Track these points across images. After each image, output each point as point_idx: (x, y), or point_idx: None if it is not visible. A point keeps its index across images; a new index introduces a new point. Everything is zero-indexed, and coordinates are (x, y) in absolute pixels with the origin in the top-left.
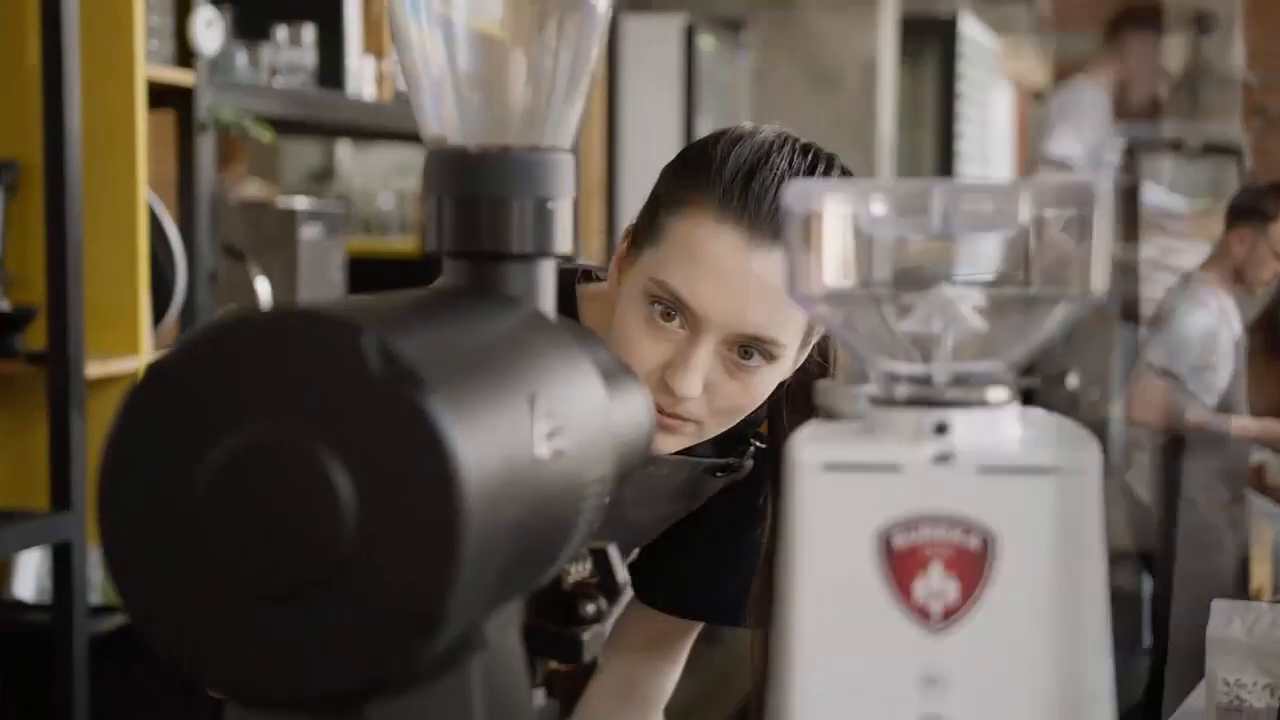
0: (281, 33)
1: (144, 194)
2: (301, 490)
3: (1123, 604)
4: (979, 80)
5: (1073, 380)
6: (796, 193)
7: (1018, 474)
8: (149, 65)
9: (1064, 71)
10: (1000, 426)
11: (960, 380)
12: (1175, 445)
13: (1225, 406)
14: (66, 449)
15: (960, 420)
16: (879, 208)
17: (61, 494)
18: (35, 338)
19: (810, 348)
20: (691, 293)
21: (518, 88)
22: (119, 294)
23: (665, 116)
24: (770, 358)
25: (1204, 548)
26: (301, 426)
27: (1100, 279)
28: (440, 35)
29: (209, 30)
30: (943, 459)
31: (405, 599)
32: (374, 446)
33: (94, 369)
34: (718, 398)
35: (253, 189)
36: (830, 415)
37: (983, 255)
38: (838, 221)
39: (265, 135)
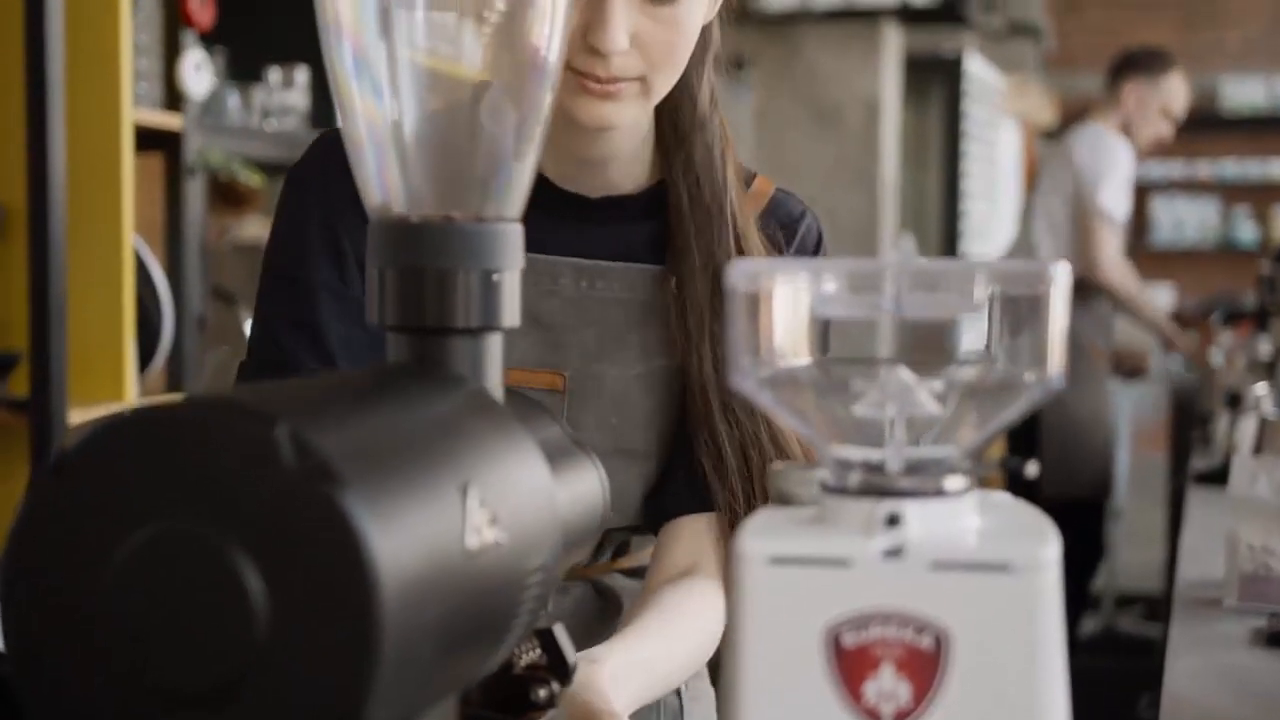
0: (274, 74)
1: (130, 238)
2: (211, 589)
3: None
4: (985, 118)
5: None
6: (743, 271)
7: (972, 571)
8: (137, 109)
9: (1070, 109)
10: (956, 517)
11: (915, 467)
12: (1076, 291)
13: None
14: None
15: (914, 511)
16: (829, 287)
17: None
18: (18, 384)
19: None
20: None
21: (462, 156)
22: (104, 340)
23: None
24: None
25: (1093, 399)
26: (212, 522)
27: (1057, 364)
28: (383, 101)
29: (198, 73)
30: (894, 553)
31: (320, 704)
32: (287, 544)
33: (77, 416)
34: (649, 46)
35: (254, 227)
36: (783, 500)
37: (940, 337)
38: (786, 301)
39: (254, 179)
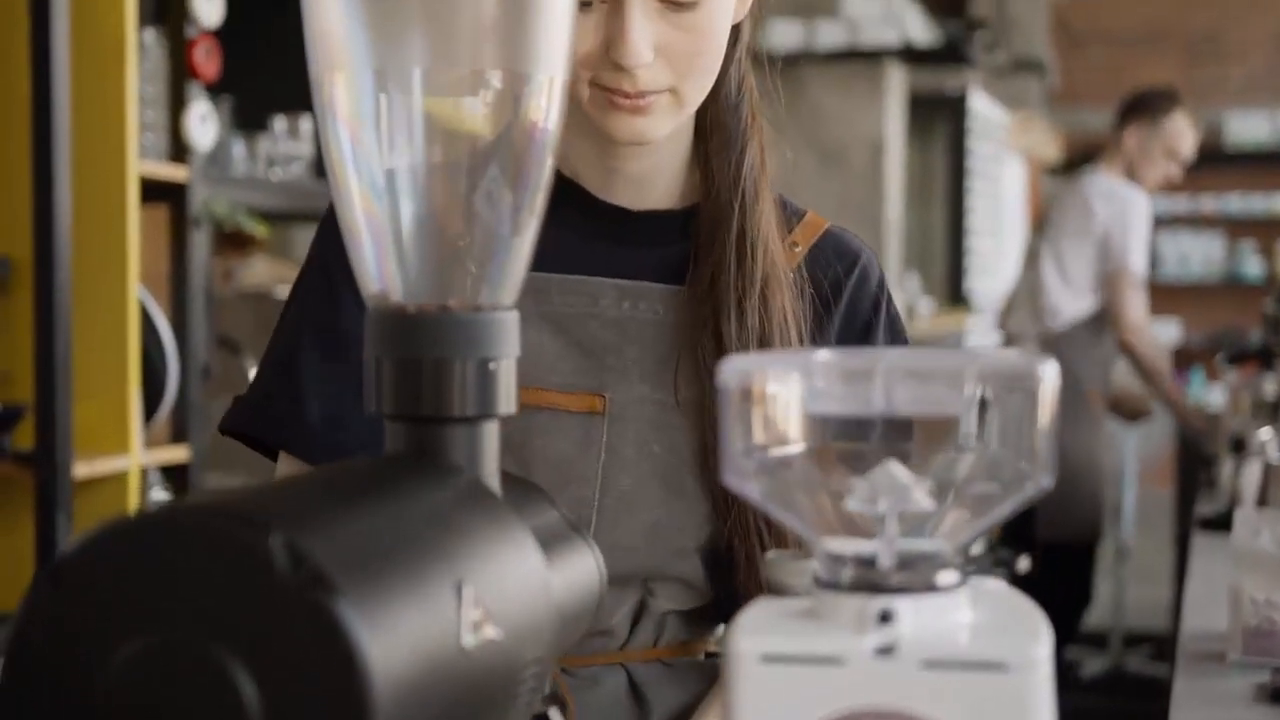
0: (279, 123)
1: (135, 290)
2: (205, 699)
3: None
4: (989, 154)
5: None
6: (733, 368)
7: (965, 669)
8: (142, 161)
9: (1074, 145)
10: (948, 613)
11: (907, 562)
12: (1068, 336)
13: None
14: (53, 552)
15: (906, 608)
16: (820, 384)
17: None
18: (23, 436)
19: None
20: None
21: (458, 243)
22: (109, 392)
23: None
24: None
25: (1087, 443)
26: (207, 631)
27: (1047, 462)
28: (380, 191)
29: (203, 125)
30: (886, 651)
31: None
32: (281, 653)
33: (82, 469)
34: (675, 56)
35: (261, 267)
36: (777, 590)
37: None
38: (776, 397)
39: (259, 230)
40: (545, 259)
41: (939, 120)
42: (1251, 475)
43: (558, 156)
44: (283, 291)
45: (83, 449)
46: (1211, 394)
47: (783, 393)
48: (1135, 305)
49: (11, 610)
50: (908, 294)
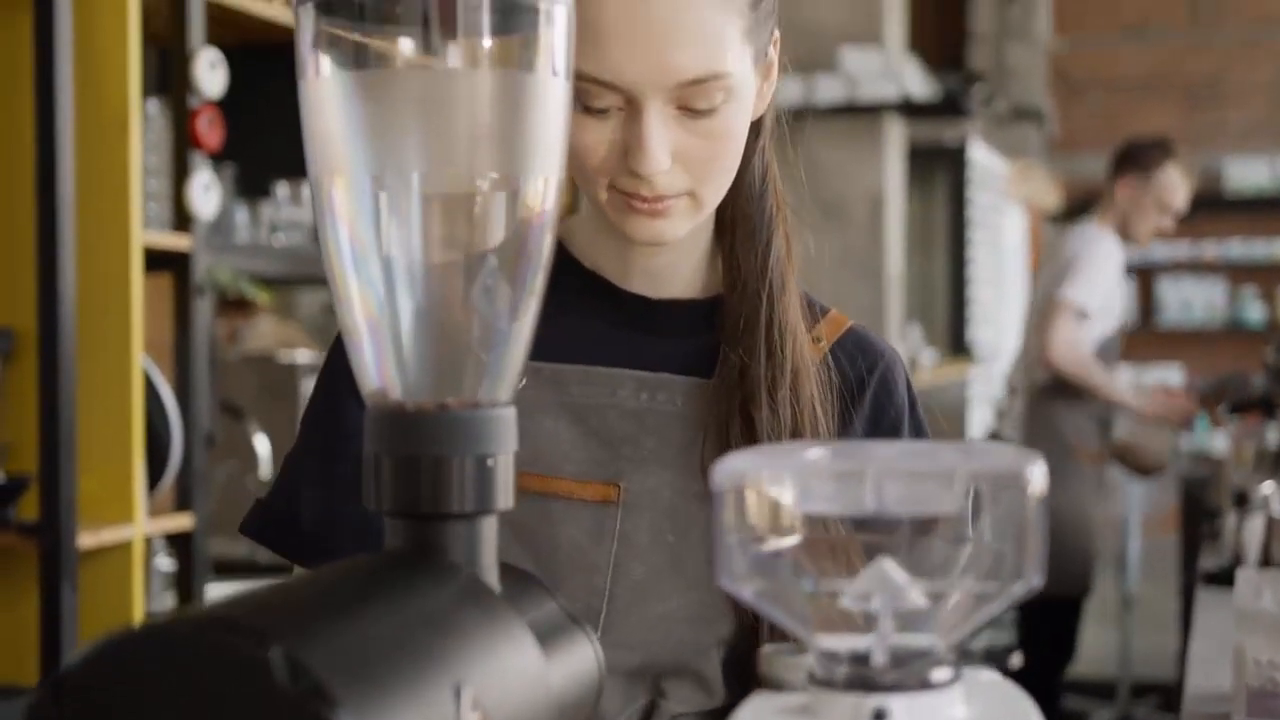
0: (282, 190)
1: (139, 360)
2: None
3: None
4: (990, 204)
5: None
6: (726, 471)
7: None
8: (146, 231)
9: (1074, 192)
10: (942, 710)
11: (901, 659)
12: (1052, 390)
13: (1101, 358)
14: (58, 623)
15: (900, 705)
16: (812, 487)
17: (52, 670)
18: (28, 507)
19: (774, 64)
20: (605, 69)
21: (457, 340)
22: (113, 462)
23: None
24: (725, 92)
25: (1076, 499)
26: None
27: (1037, 560)
28: (378, 292)
29: (206, 194)
30: None
31: None
32: None
33: (87, 539)
34: (693, 161)
35: (266, 328)
36: (773, 685)
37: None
38: (769, 497)
39: (261, 297)
40: (566, 349)
41: (939, 171)
42: (1254, 530)
43: (579, 249)
44: (287, 354)
45: (87, 519)
46: (1215, 440)
47: (776, 493)
48: (1059, 330)
49: (15, 682)
50: (910, 345)
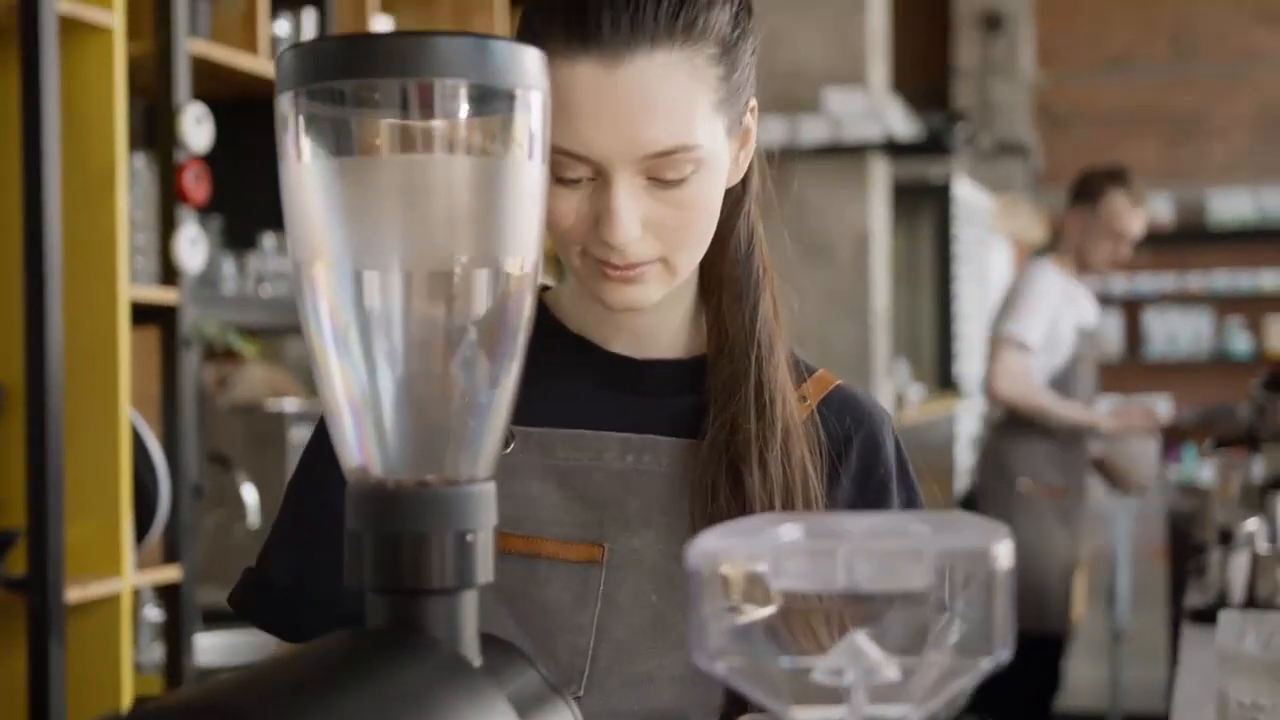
0: (269, 241)
1: (127, 414)
2: None
3: None
4: (976, 238)
5: None
6: (700, 551)
7: None
8: (133, 285)
9: (1060, 226)
10: None
11: None
12: (1006, 426)
13: (1058, 389)
14: (45, 677)
15: None
16: (785, 565)
17: None
18: (16, 562)
19: (751, 130)
20: (574, 142)
21: (437, 417)
22: (101, 515)
23: None
24: (695, 163)
25: (1030, 538)
26: None
27: (1006, 636)
28: (359, 372)
29: (193, 248)
30: None
31: None
32: None
33: (74, 593)
34: (664, 229)
35: (256, 374)
36: None
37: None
38: (743, 575)
39: (248, 350)
40: (555, 412)
41: (924, 207)
42: (1239, 567)
43: (565, 314)
44: (274, 403)
45: (75, 572)
46: (1203, 471)
47: (749, 571)
48: (1001, 363)
49: None
50: (897, 381)
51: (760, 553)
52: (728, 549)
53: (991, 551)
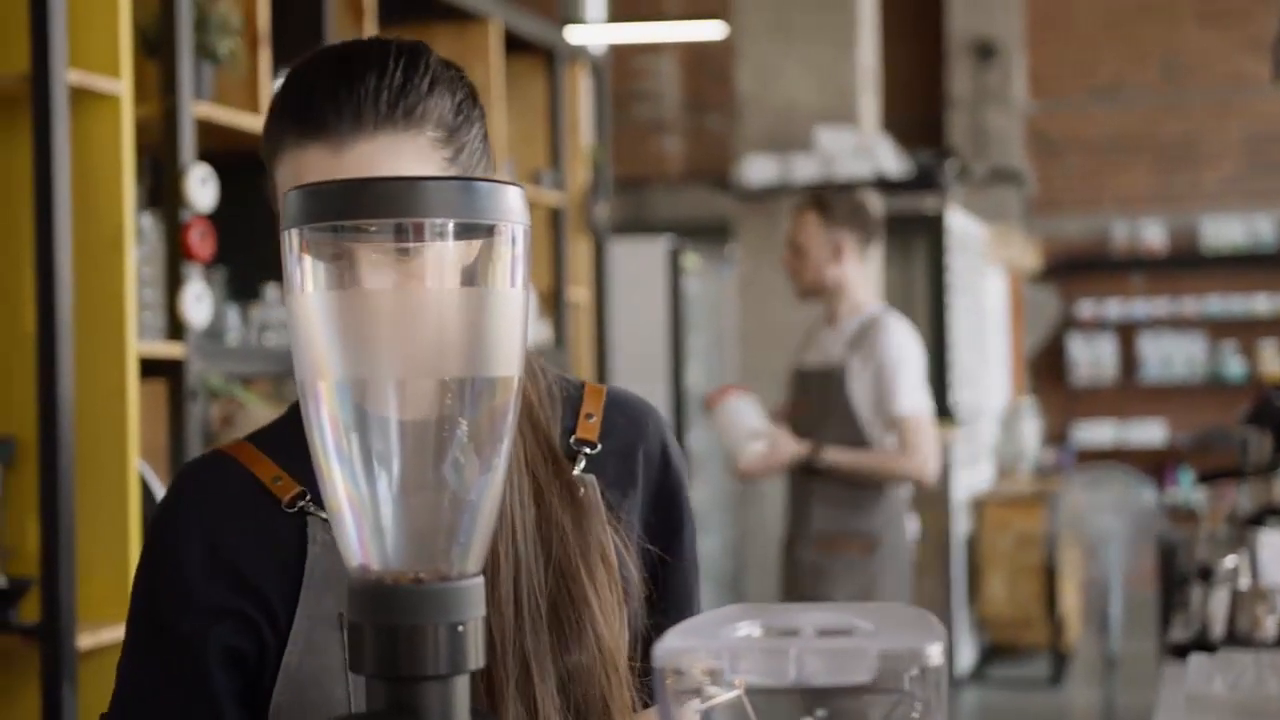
0: (272, 292)
1: (135, 465)
2: None
3: None
4: (970, 267)
5: None
6: (666, 650)
7: None
8: (141, 340)
9: (1054, 253)
10: None
11: None
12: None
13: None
14: None
15: None
16: (741, 662)
17: None
18: (29, 609)
19: None
20: None
21: (430, 517)
22: (112, 563)
23: (652, 334)
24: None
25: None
26: None
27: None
28: (359, 479)
29: (198, 304)
30: None
31: None
32: None
33: (86, 640)
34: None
35: (259, 412)
36: None
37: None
38: (702, 672)
39: (252, 400)
40: None
41: (917, 238)
42: (1220, 602)
43: None
44: None
45: (87, 620)
46: (1196, 495)
47: (708, 668)
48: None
49: None
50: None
51: (717, 651)
52: (688, 649)
53: (925, 651)
